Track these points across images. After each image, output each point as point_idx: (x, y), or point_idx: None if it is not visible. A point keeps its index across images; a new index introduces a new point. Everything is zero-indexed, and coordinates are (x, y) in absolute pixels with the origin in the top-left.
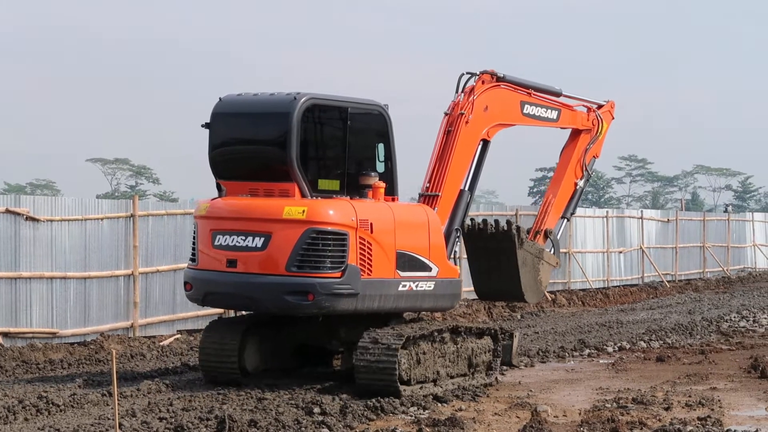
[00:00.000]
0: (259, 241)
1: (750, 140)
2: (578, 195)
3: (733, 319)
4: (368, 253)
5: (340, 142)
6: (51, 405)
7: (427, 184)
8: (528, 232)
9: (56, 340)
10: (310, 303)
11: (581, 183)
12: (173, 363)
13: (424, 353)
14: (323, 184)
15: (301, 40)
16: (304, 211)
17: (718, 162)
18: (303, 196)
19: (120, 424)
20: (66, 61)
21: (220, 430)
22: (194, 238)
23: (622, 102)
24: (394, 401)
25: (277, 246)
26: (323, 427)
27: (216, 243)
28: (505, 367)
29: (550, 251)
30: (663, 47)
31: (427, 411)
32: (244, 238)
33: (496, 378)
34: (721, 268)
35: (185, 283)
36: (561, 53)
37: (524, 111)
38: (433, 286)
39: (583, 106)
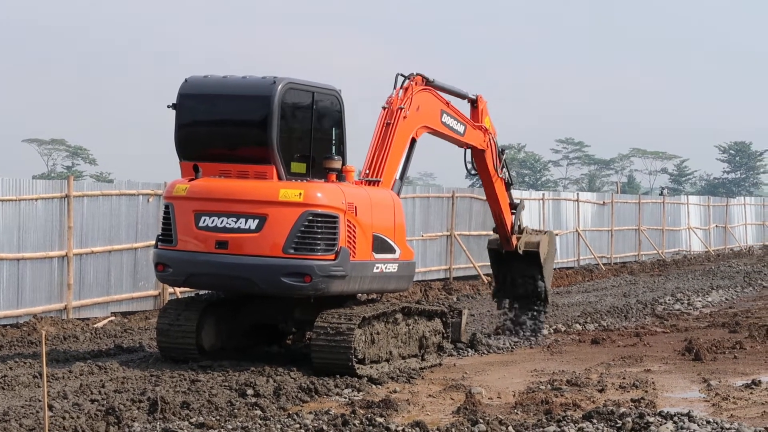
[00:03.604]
0: (252, 223)
1: (686, 124)
2: (510, 185)
3: (667, 301)
4: (353, 235)
5: (308, 126)
6: None
7: (367, 171)
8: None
9: None
10: (307, 285)
11: (506, 176)
12: (107, 345)
13: (378, 333)
14: (294, 167)
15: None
16: (300, 194)
17: (654, 145)
18: (279, 178)
19: (51, 406)
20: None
21: (152, 411)
22: (168, 218)
23: (563, 86)
24: (328, 383)
25: (273, 228)
26: (256, 409)
27: (201, 224)
28: (452, 346)
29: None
30: (603, 32)
31: (361, 393)
32: (235, 219)
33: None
34: (656, 251)
35: (157, 264)
36: (497, 36)
37: (442, 119)
38: (396, 268)
39: (466, 123)
